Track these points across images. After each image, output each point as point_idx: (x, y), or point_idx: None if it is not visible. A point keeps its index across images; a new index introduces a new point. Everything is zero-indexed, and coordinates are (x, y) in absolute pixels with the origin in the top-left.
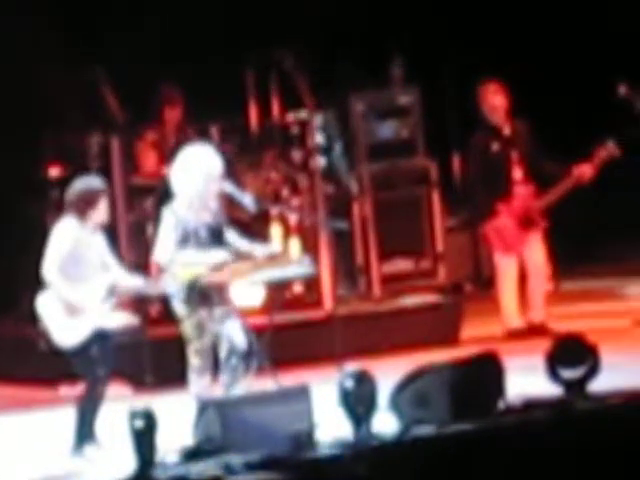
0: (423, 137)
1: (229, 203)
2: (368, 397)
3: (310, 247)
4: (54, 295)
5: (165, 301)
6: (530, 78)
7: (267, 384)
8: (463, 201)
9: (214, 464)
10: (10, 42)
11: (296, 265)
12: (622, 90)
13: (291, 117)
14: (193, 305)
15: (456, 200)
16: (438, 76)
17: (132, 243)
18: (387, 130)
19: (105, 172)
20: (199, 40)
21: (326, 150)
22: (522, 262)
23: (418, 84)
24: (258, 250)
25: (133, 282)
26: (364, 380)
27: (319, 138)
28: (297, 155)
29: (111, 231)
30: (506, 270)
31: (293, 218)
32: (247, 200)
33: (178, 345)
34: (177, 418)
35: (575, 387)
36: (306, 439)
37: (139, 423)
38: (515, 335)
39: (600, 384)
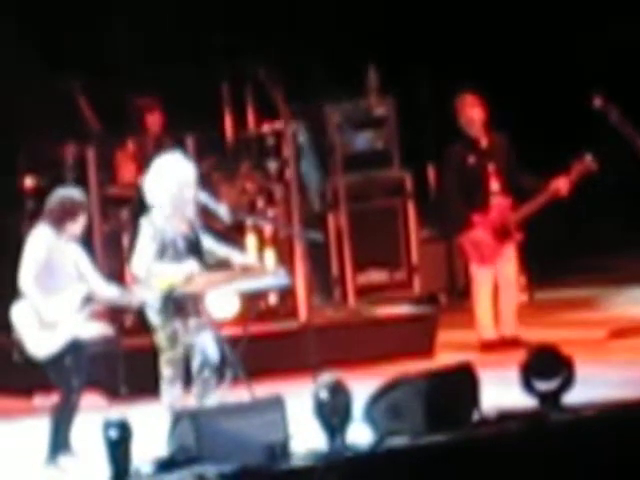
0: (398, 148)
1: (204, 213)
2: (343, 408)
3: (285, 258)
4: (29, 305)
5: (140, 311)
6: (506, 89)
7: (242, 395)
8: (438, 212)
9: (188, 474)
10: None
11: (271, 276)
12: (597, 102)
13: (266, 128)
14: (168, 315)
15: (431, 211)
16: (413, 86)
17: (107, 253)
18: (362, 141)
19: (81, 183)
20: (173, 51)
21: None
22: (496, 274)
23: (393, 95)
24: (236, 256)
25: (109, 292)
26: (339, 391)
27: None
28: (272, 166)
29: (87, 241)
30: (482, 281)
31: (268, 229)
32: (222, 211)
33: (153, 356)
34: (151, 428)
35: (550, 399)
36: (281, 450)
37: (113, 433)
38: (490, 346)
39: (575, 396)
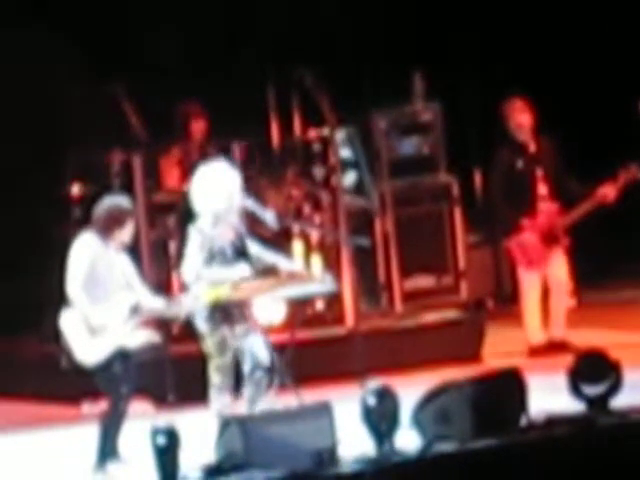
0: (444, 153)
1: (251, 220)
2: (390, 413)
3: (332, 264)
4: (77, 313)
5: (187, 319)
6: (552, 95)
7: (289, 401)
8: (485, 217)
9: None
10: (32, 60)
11: (318, 282)
12: None
13: (313, 134)
14: (215, 323)
15: (477, 216)
16: (458, 92)
17: (154, 261)
18: (409, 146)
19: (127, 190)
20: (221, 58)
21: (354, 164)
22: (545, 278)
23: (439, 100)
24: (282, 263)
25: (155, 304)
26: (386, 397)
27: (345, 152)
28: (319, 172)
29: (133, 249)
30: (529, 286)
31: (315, 235)
32: (269, 217)
33: (200, 362)
34: (199, 435)
35: (597, 403)
36: (328, 456)
37: (161, 440)
38: (537, 351)
39: (622, 400)
